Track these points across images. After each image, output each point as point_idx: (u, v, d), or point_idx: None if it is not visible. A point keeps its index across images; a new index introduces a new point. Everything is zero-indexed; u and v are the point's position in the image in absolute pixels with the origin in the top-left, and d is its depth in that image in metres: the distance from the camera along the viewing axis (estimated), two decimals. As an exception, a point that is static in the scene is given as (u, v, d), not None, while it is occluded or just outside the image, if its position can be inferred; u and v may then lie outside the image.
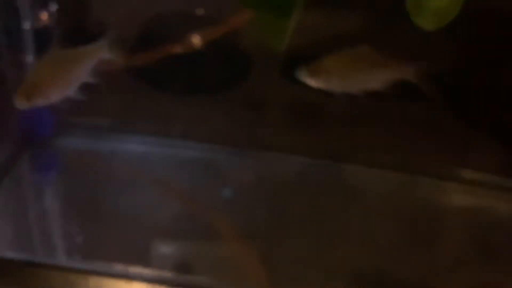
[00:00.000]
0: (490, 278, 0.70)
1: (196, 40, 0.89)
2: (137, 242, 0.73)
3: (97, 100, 0.82)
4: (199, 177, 0.83)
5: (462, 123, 0.84)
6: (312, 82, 0.62)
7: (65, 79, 0.58)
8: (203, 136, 0.87)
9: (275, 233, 0.75)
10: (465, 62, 0.80)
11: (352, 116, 0.87)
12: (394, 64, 0.63)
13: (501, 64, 0.77)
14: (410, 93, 0.86)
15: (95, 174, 0.82)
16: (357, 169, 0.84)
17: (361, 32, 0.79)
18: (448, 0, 0.50)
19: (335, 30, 0.82)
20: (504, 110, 0.81)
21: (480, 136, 0.84)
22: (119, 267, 0.68)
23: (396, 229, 0.76)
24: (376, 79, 0.63)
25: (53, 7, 0.87)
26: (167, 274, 0.69)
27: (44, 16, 0.87)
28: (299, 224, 0.77)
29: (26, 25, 0.86)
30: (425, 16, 0.52)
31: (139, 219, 0.76)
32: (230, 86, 0.93)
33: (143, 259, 0.71)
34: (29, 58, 0.85)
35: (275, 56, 0.92)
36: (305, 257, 0.72)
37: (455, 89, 0.84)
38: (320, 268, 0.70)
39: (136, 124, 0.87)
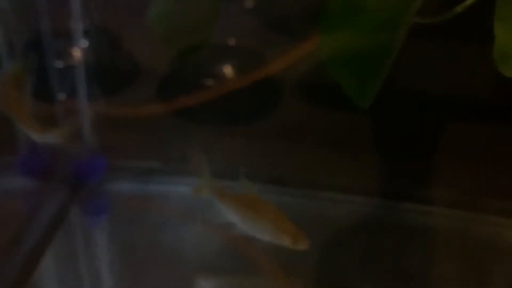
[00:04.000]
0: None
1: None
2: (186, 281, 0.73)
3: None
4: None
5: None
6: None
7: None
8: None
9: (325, 271, 0.74)
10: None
11: (395, 146, 0.86)
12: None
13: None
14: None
15: (143, 217, 0.82)
16: (412, 207, 0.82)
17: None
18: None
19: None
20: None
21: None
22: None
23: (461, 268, 0.75)
24: None
25: (84, 44, 0.87)
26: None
27: (75, 52, 0.87)
28: (349, 262, 0.76)
29: (58, 64, 0.85)
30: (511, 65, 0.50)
31: (187, 258, 0.76)
32: (262, 115, 0.92)
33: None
34: (62, 96, 0.85)
35: (303, 82, 0.92)
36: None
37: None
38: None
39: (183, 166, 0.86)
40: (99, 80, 0.86)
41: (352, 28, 0.52)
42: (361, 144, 0.87)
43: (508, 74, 0.50)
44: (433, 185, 0.83)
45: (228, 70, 0.93)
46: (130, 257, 0.76)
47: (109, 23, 0.91)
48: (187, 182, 0.84)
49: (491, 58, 0.50)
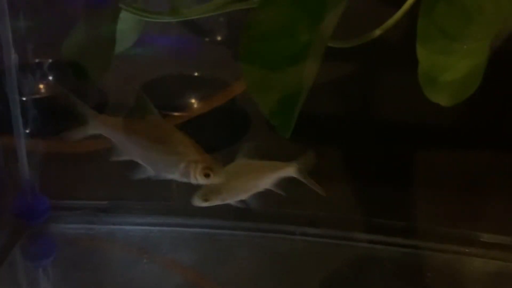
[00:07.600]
0: None
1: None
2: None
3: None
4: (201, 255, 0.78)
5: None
6: (208, 204, 0.60)
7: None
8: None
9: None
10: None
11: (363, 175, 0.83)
12: (278, 165, 0.64)
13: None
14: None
15: (91, 257, 0.78)
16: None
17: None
18: (465, 72, 0.43)
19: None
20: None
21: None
22: None
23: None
24: (264, 183, 0.63)
25: (49, 78, 0.85)
26: None
27: (41, 86, 0.85)
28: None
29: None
30: (439, 91, 0.45)
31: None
32: (230, 144, 0.88)
33: None
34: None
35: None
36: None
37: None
38: None
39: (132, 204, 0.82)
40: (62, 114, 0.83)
41: (267, 57, 0.49)
42: (329, 172, 0.84)
43: (433, 98, 0.46)
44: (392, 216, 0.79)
45: (195, 101, 0.90)
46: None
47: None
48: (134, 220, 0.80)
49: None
